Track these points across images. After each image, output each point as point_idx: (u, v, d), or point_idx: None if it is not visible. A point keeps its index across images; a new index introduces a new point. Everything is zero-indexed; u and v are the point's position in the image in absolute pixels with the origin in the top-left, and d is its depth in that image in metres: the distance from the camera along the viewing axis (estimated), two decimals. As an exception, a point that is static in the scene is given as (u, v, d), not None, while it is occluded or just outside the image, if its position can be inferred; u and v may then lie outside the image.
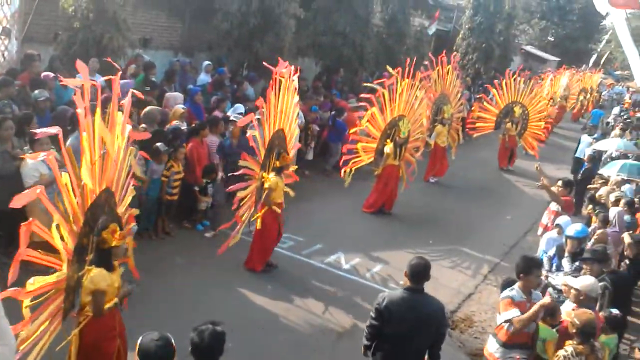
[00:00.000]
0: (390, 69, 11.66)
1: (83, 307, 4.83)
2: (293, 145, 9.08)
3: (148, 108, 9.11)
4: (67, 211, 4.57)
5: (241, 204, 8.09)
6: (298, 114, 9.23)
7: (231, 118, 9.46)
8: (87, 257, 4.85)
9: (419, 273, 4.98)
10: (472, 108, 18.67)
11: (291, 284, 8.42)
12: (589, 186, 13.43)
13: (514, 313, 5.42)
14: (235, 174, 8.11)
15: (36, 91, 8.59)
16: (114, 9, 11.10)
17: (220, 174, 9.54)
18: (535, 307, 5.42)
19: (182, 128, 9.40)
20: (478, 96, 20.31)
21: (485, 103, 17.82)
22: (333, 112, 13.79)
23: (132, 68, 11.23)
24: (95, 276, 4.75)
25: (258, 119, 8.46)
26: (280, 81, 8.06)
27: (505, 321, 5.48)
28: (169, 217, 9.27)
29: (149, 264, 7.84)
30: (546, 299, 5.59)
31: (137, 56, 11.97)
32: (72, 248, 4.60)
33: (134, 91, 5.96)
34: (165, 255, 8.56)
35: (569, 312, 5.52)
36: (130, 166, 5.71)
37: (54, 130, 4.62)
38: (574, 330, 5.11)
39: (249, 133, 8.28)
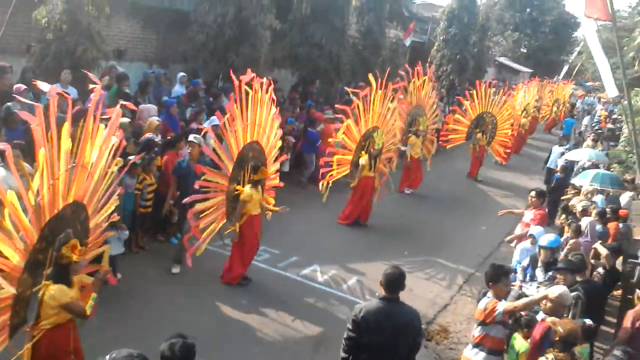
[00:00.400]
0: (372, 79, 11.71)
1: (38, 322, 4.79)
2: (274, 157, 9.07)
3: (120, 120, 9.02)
4: (16, 228, 4.48)
5: (200, 216, 7.94)
6: (279, 126, 9.20)
7: (190, 139, 9.07)
8: (45, 272, 4.81)
9: (394, 282, 5.00)
10: (445, 120, 18.85)
11: (267, 296, 8.40)
12: (562, 197, 13.61)
13: (505, 303, 5.58)
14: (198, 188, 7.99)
15: (9, 103, 8.45)
16: (88, 20, 11.00)
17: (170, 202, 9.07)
18: (541, 294, 5.69)
19: (156, 140, 9.33)
20: (452, 108, 20.53)
21: (457, 115, 18.00)
22: (305, 123, 13.84)
23: (105, 80, 11.13)
24: (55, 293, 4.74)
25: (218, 130, 8.36)
26: (248, 93, 8.05)
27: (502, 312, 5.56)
28: (142, 230, 9.18)
29: (123, 278, 7.77)
30: (552, 292, 5.67)
31: (110, 68, 11.87)
32: (21, 265, 4.53)
33: (125, 103, 5.95)
34: (139, 269, 8.47)
35: (553, 319, 5.61)
36: (113, 176, 5.72)
37: (2, 146, 4.61)
38: (557, 338, 5.20)
39: (207, 141, 8.24)
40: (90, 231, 5.48)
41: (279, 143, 9.23)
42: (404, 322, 5.00)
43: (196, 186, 7.87)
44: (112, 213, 5.92)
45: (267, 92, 8.46)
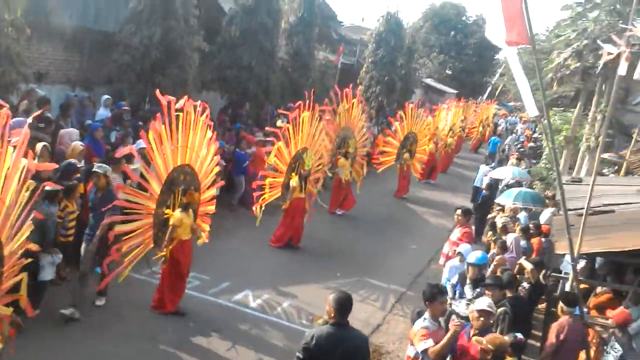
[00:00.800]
0: (300, 104, 11.71)
1: None
2: (210, 182, 8.89)
3: (38, 145, 8.63)
4: None
5: (123, 239, 7.65)
6: (216, 150, 9.03)
7: (94, 169, 8.25)
8: None
9: (344, 306, 5.02)
10: (376, 142, 19.14)
11: (197, 325, 8.17)
12: (489, 216, 14.00)
13: (429, 343, 5.62)
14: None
15: None
16: (7, 42, 10.53)
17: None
18: (447, 337, 5.63)
19: (78, 166, 8.97)
20: (382, 128, 20.88)
21: (389, 137, 18.30)
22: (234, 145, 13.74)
23: (24, 104, 10.66)
24: None
25: (143, 153, 8.15)
26: (179, 115, 7.91)
27: (422, 352, 5.62)
28: (64, 260, 8.74)
29: (44, 310, 7.40)
30: (455, 325, 5.75)
31: (30, 91, 11.39)
32: None
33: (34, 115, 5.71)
34: (61, 301, 8.06)
35: (478, 339, 5.71)
36: (27, 201, 5.46)
37: None
38: (489, 357, 5.31)
39: (131, 167, 8.04)
40: (4, 259, 5.21)
41: (216, 169, 9.07)
42: (354, 346, 5.03)
43: (108, 207, 7.56)
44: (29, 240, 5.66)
45: (201, 115, 8.33)
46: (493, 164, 19.42)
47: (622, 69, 8.74)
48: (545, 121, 8.22)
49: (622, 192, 11.14)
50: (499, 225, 11.09)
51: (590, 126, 17.92)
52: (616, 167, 16.11)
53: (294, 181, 11.70)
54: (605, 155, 15.79)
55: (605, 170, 16.53)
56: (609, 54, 9.69)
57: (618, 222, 9.21)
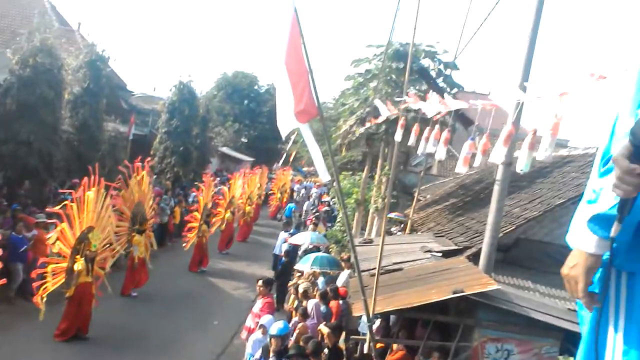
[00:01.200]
0: (85, 178, 10.90)
1: None
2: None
3: None
4: None
5: None
6: None
7: None
8: None
9: None
10: (173, 213, 18.57)
11: None
12: (290, 283, 14.11)
13: None
14: None
15: None
16: None
17: None
18: None
19: None
20: (179, 200, 20.36)
21: (195, 212, 17.84)
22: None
23: None
24: None
25: None
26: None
27: None
28: None
29: None
30: None
31: None
32: None
33: None
34: None
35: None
36: None
37: None
38: None
39: None
40: None
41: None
42: None
43: None
44: None
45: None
46: (292, 230, 19.78)
47: (398, 135, 9.54)
48: (337, 185, 8.58)
49: (409, 250, 11.94)
50: (300, 291, 11.20)
51: (377, 188, 19.13)
52: (402, 226, 17.30)
53: (80, 264, 10.69)
54: (392, 215, 16.94)
55: (393, 229, 17.69)
56: (375, 120, 10.53)
57: (406, 279, 9.77)
